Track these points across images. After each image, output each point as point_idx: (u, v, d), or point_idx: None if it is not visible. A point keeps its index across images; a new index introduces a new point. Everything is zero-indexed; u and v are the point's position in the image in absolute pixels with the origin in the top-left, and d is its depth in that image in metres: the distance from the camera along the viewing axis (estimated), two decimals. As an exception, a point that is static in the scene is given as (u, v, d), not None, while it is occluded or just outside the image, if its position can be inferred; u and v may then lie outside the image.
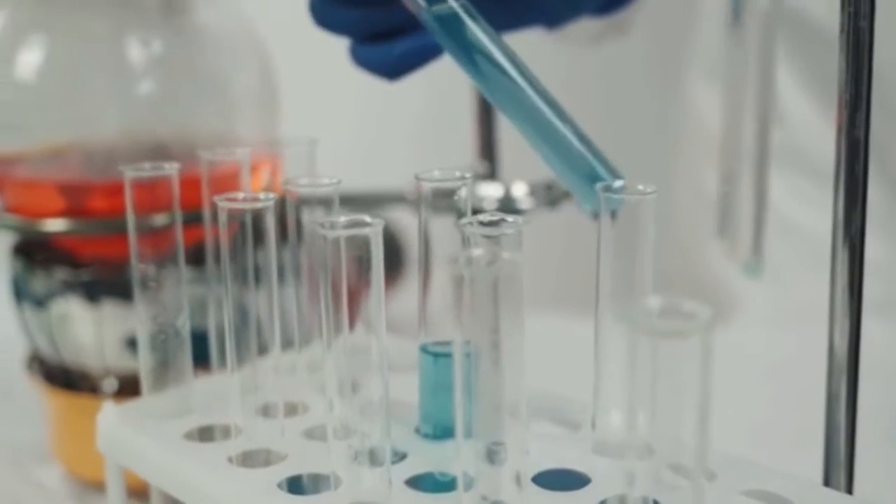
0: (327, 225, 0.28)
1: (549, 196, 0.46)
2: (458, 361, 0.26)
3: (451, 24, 0.35)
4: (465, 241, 0.28)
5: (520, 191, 0.47)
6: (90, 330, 0.49)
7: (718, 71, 0.77)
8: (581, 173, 0.34)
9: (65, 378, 0.51)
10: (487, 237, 0.27)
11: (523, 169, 0.49)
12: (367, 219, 0.29)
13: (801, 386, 0.48)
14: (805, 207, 0.67)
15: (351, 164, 0.41)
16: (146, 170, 0.35)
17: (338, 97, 0.69)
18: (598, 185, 0.32)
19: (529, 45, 0.43)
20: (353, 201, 0.49)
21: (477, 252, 0.25)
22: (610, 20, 0.47)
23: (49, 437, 0.53)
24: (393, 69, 0.40)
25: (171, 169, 0.35)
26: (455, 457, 0.32)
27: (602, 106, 0.89)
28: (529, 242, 0.30)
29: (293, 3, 0.53)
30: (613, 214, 0.32)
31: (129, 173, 0.35)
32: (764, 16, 0.26)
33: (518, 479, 0.27)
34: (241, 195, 0.32)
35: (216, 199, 0.32)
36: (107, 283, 0.48)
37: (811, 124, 0.66)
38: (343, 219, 0.29)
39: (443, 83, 0.41)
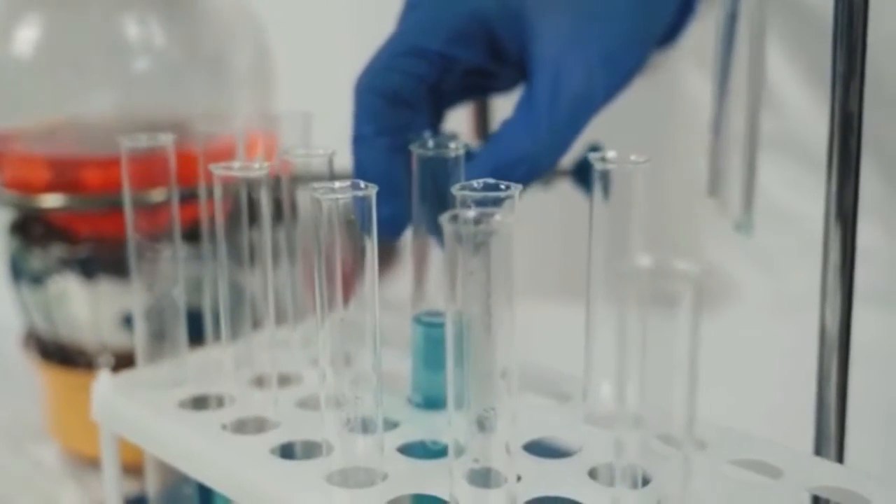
0: (321, 190, 0.28)
1: (544, 177, 0.46)
2: (450, 327, 0.26)
3: None
4: (459, 206, 0.28)
5: (514, 170, 0.47)
6: (87, 307, 0.49)
7: (709, 53, 0.77)
8: None
9: (61, 355, 0.51)
10: (479, 201, 0.28)
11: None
12: (362, 184, 0.29)
13: (799, 371, 0.48)
14: (802, 195, 0.67)
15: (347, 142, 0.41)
16: (142, 141, 0.35)
17: (333, 74, 0.69)
18: (590, 155, 0.32)
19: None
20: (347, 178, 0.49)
21: (467, 213, 0.25)
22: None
23: (46, 414, 0.53)
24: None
25: (167, 140, 0.35)
26: (446, 424, 0.33)
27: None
28: (528, 225, 0.30)
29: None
30: (606, 186, 0.32)
31: (126, 144, 0.35)
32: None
33: (507, 447, 0.27)
34: (236, 164, 0.33)
35: (211, 167, 0.32)
36: (103, 259, 0.48)
37: (807, 113, 0.66)
38: (337, 184, 0.29)
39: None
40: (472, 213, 0.25)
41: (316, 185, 0.29)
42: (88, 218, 0.49)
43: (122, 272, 0.48)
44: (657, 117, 0.80)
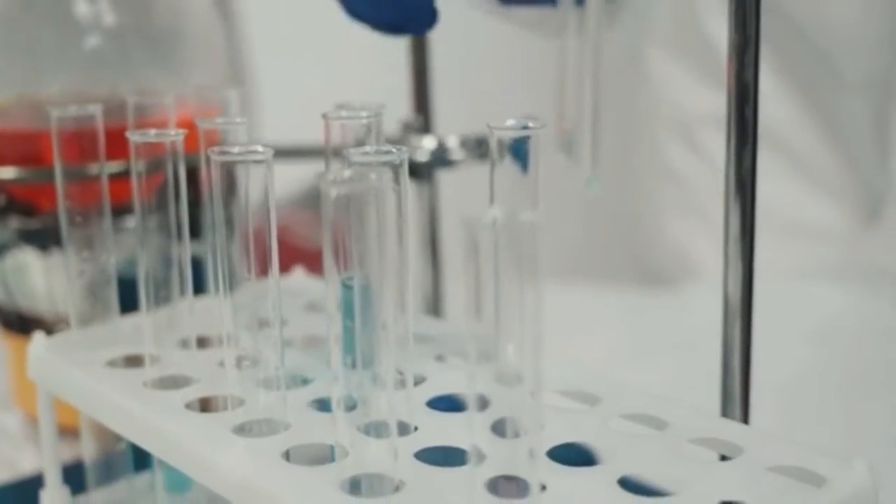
0: (218, 151, 0.30)
1: (480, 150, 0.47)
2: (332, 286, 0.28)
3: None
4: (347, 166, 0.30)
5: (452, 143, 0.48)
6: (41, 278, 0.51)
7: (675, 39, 0.79)
8: None
9: (21, 325, 0.53)
10: (361, 162, 0.29)
11: (457, 123, 0.50)
12: (260, 147, 0.30)
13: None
14: (764, 179, 0.68)
15: (302, 119, 0.43)
16: (71, 111, 0.37)
17: (311, 49, 0.69)
18: (489, 125, 0.33)
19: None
20: (287, 154, 0.51)
21: (346, 173, 0.27)
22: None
23: (8, 382, 0.55)
24: None
25: (95, 110, 0.37)
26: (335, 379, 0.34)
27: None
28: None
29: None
30: (503, 152, 0.33)
31: (55, 114, 0.37)
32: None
33: (390, 400, 0.29)
34: (153, 132, 0.34)
35: (128, 133, 0.34)
36: (56, 231, 0.50)
37: (765, 95, 0.67)
38: (236, 148, 0.30)
39: (378, 40, 0.43)
40: (347, 172, 0.27)
41: (215, 148, 0.30)
42: (49, 191, 0.51)
43: (77, 244, 0.50)
44: (624, 102, 0.81)
